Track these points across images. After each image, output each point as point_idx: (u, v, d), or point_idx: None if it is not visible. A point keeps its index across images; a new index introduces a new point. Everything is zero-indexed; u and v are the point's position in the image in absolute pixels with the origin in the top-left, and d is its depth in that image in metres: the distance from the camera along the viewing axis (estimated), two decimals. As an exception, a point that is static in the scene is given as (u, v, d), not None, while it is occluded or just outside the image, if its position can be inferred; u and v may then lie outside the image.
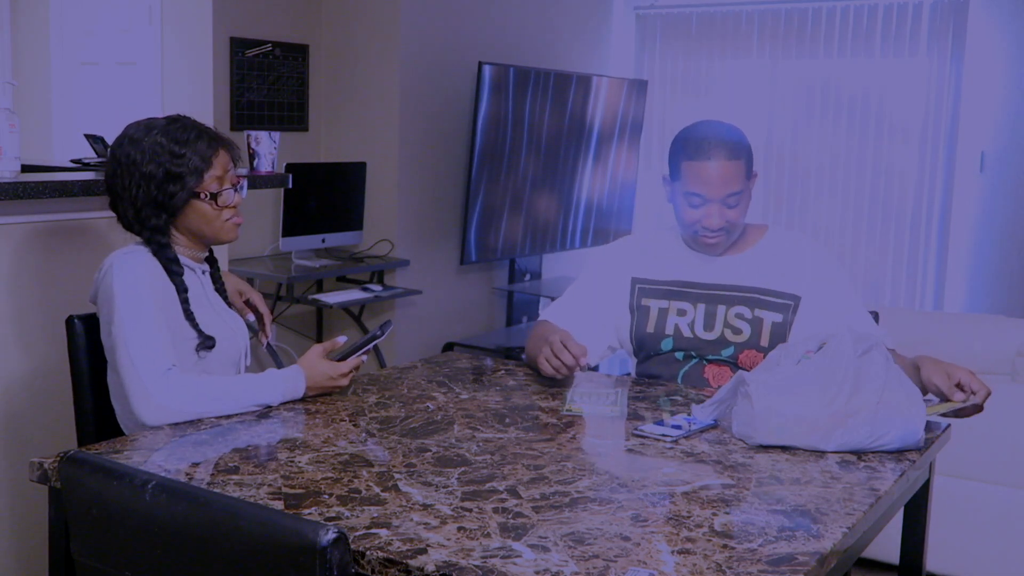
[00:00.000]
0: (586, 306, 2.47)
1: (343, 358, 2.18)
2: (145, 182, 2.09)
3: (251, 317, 2.36)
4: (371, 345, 2.21)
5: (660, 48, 6.51)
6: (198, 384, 2.01)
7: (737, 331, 2.31)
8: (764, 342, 2.30)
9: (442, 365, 2.50)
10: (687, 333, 2.35)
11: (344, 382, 2.17)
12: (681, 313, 2.36)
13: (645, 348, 2.41)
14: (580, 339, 2.33)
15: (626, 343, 2.47)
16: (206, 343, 2.12)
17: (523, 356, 2.54)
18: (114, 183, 2.14)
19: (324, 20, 5.04)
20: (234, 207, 2.17)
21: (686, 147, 2.30)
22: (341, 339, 2.23)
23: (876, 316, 2.56)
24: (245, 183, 2.22)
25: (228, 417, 2.00)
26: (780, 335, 2.29)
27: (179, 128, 2.11)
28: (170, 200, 2.10)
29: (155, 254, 2.11)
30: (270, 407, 2.07)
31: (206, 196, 2.11)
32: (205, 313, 2.16)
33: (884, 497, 1.71)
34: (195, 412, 1.98)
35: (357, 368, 2.20)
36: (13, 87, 4.35)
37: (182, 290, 2.12)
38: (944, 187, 5.76)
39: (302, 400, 2.12)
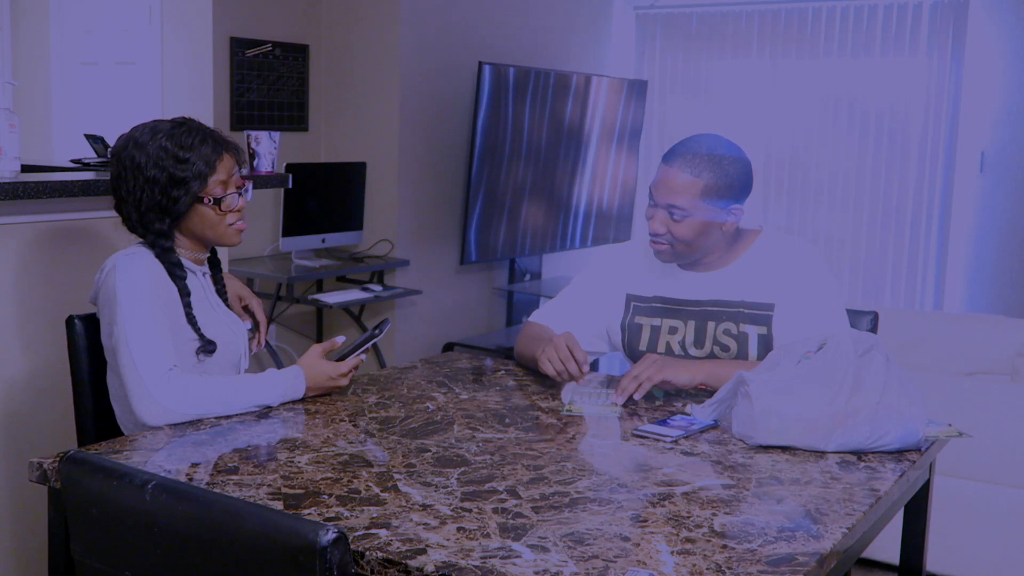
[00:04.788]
0: (578, 314, 2.46)
1: (342, 358, 2.18)
2: (149, 186, 2.09)
3: (248, 324, 2.36)
4: (370, 344, 2.21)
5: (660, 48, 6.51)
6: (199, 385, 2.01)
7: (725, 348, 2.31)
8: (752, 356, 2.29)
9: (442, 365, 2.50)
10: (678, 351, 2.34)
11: (344, 382, 2.17)
12: (673, 331, 2.36)
13: None
14: None
15: (622, 354, 2.46)
16: (207, 347, 2.12)
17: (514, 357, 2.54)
18: (118, 186, 2.14)
19: (324, 20, 5.04)
20: (238, 211, 2.16)
21: (669, 149, 2.31)
22: (339, 339, 2.24)
23: (876, 317, 2.55)
24: (250, 187, 2.22)
25: (228, 417, 2.00)
26: (766, 347, 2.28)
27: (184, 132, 2.11)
28: (174, 204, 2.09)
29: (158, 257, 2.11)
30: (270, 407, 2.07)
31: (210, 200, 2.11)
32: (206, 315, 2.16)
33: (884, 497, 1.71)
34: (196, 413, 1.98)
35: (356, 368, 2.20)
36: (13, 87, 4.35)
37: (185, 294, 2.12)
38: (944, 187, 5.76)
39: (302, 400, 2.12)
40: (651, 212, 2.29)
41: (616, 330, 2.43)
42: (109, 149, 2.88)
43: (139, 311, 2.03)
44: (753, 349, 2.29)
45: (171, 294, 2.10)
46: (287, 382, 2.09)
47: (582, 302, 2.48)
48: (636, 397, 2.16)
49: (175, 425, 1.96)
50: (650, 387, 2.17)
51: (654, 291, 2.39)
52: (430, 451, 1.84)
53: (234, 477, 1.68)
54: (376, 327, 2.23)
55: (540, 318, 2.51)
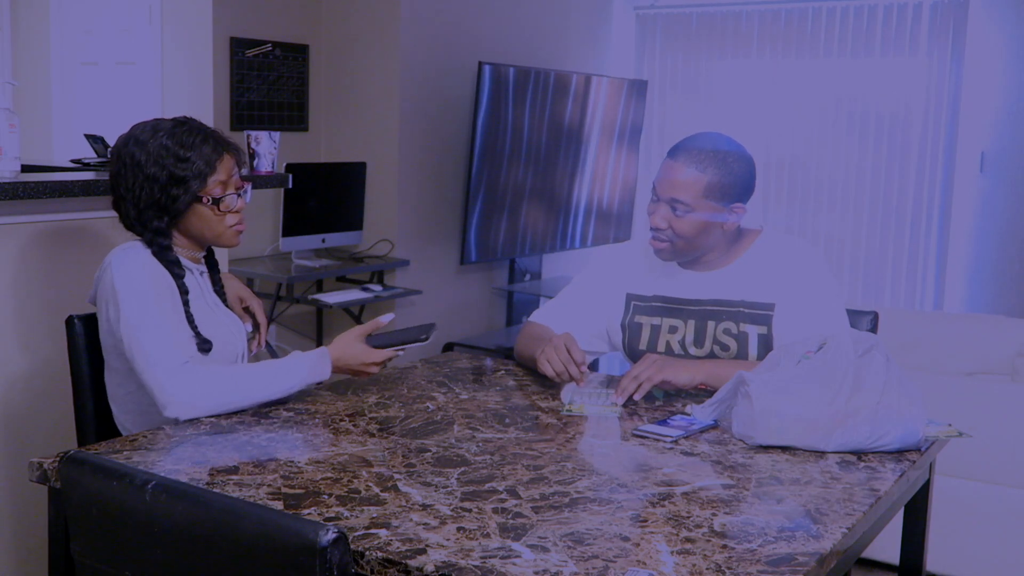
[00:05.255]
0: (578, 313, 2.46)
1: (380, 346, 2.16)
2: (148, 184, 2.08)
3: (248, 326, 2.36)
4: (411, 346, 2.18)
5: (660, 48, 6.51)
6: (218, 375, 2.00)
7: (725, 347, 2.30)
8: (752, 356, 2.29)
9: (442, 365, 2.50)
10: (678, 350, 2.34)
11: (374, 370, 2.15)
12: (673, 330, 2.36)
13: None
14: None
15: (622, 353, 2.46)
16: (202, 346, 2.12)
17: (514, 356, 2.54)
18: (117, 183, 2.13)
19: (324, 20, 5.04)
20: (237, 212, 2.16)
21: (675, 144, 2.31)
22: (385, 318, 2.18)
23: (876, 317, 2.55)
24: (250, 188, 2.21)
25: (228, 417, 2.00)
26: (767, 347, 2.28)
27: (185, 131, 2.10)
28: (173, 203, 2.09)
29: (156, 256, 2.11)
30: (275, 403, 2.06)
31: (209, 200, 2.11)
32: (203, 314, 2.16)
33: (884, 497, 1.71)
34: (218, 405, 1.97)
35: (390, 359, 2.18)
36: (13, 87, 4.35)
37: (183, 292, 2.11)
38: (944, 187, 5.76)
39: (302, 400, 2.12)
40: (653, 207, 2.29)
41: (616, 330, 2.43)
42: (109, 148, 2.88)
43: (143, 306, 2.02)
44: (753, 349, 2.29)
45: (170, 289, 2.10)
46: (311, 364, 2.07)
47: (582, 302, 2.48)
48: (636, 398, 2.16)
49: (175, 425, 1.95)
50: (650, 387, 2.17)
51: (654, 290, 2.39)
52: (430, 451, 1.84)
53: (234, 477, 1.68)
54: (423, 331, 2.19)
55: (540, 318, 2.51)
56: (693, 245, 2.29)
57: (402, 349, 2.18)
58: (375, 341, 2.16)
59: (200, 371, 1.99)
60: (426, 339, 2.19)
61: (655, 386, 2.19)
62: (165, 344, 1.99)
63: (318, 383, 2.12)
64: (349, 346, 2.13)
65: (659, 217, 2.27)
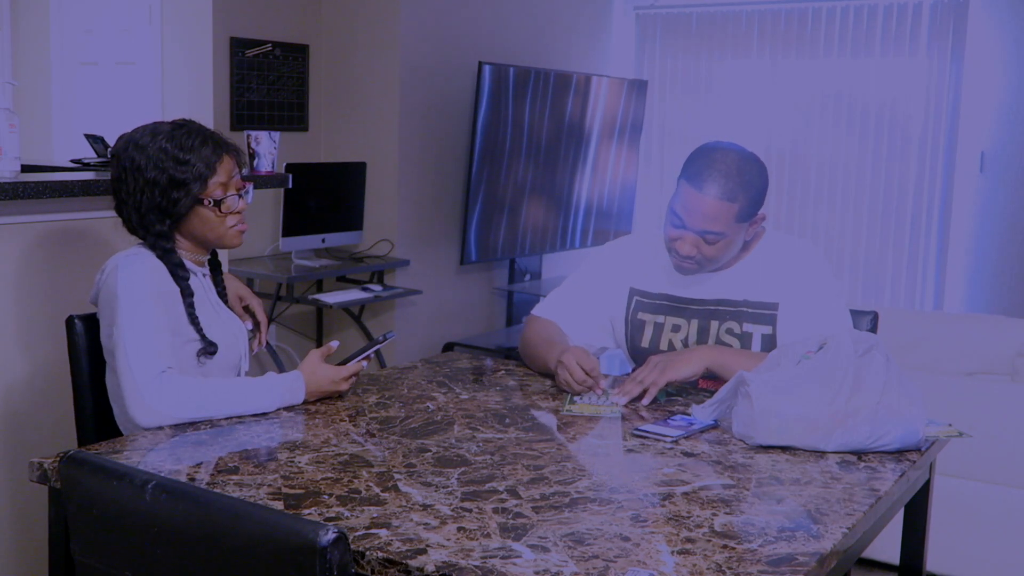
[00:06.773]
0: (582, 307, 2.46)
1: (343, 363, 2.17)
2: (149, 188, 2.08)
3: (249, 324, 2.36)
4: (372, 352, 2.20)
5: (660, 48, 6.51)
6: (193, 387, 1.99)
7: (728, 347, 2.30)
8: None
9: (442, 365, 2.50)
10: (680, 349, 2.34)
11: (344, 386, 2.16)
12: (676, 329, 2.36)
13: (640, 361, 2.40)
14: (575, 339, 2.40)
15: (623, 348, 2.46)
16: (208, 349, 2.12)
17: (518, 351, 2.53)
18: (118, 188, 2.13)
19: (324, 20, 5.04)
20: (238, 213, 2.16)
21: (691, 166, 2.23)
22: (334, 344, 2.23)
23: (876, 317, 2.55)
24: (251, 189, 2.21)
25: (228, 417, 2.00)
26: (770, 347, 2.27)
27: (184, 134, 2.10)
28: (174, 206, 2.09)
29: (160, 259, 2.11)
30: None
31: (210, 202, 2.11)
32: (207, 317, 2.15)
33: (884, 497, 1.71)
34: (189, 416, 1.97)
35: (357, 373, 2.19)
36: (13, 87, 4.35)
37: (187, 294, 2.11)
38: (944, 187, 5.77)
39: (302, 403, 2.12)
40: (679, 234, 2.25)
41: (620, 324, 2.43)
42: (109, 149, 2.88)
43: (138, 312, 2.03)
44: (756, 349, 2.29)
45: (173, 295, 2.10)
46: (286, 387, 2.08)
47: (585, 295, 2.47)
48: (644, 403, 2.16)
49: (175, 425, 1.95)
50: (656, 392, 2.17)
51: (659, 288, 2.39)
52: (430, 451, 1.84)
53: (234, 477, 1.68)
54: (381, 336, 2.25)
55: (543, 311, 2.49)
56: (721, 260, 2.29)
57: (367, 358, 2.19)
58: (337, 360, 2.18)
59: (177, 381, 1.98)
60: (384, 341, 2.23)
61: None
62: (149, 352, 1.99)
63: (290, 407, 2.09)
64: (318, 368, 2.13)
65: (688, 245, 2.24)
